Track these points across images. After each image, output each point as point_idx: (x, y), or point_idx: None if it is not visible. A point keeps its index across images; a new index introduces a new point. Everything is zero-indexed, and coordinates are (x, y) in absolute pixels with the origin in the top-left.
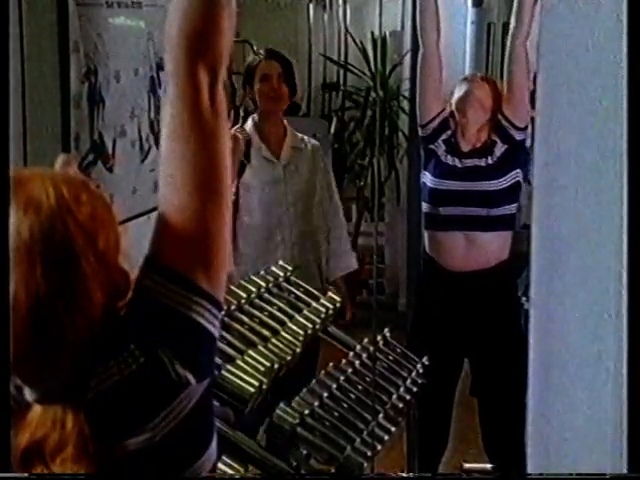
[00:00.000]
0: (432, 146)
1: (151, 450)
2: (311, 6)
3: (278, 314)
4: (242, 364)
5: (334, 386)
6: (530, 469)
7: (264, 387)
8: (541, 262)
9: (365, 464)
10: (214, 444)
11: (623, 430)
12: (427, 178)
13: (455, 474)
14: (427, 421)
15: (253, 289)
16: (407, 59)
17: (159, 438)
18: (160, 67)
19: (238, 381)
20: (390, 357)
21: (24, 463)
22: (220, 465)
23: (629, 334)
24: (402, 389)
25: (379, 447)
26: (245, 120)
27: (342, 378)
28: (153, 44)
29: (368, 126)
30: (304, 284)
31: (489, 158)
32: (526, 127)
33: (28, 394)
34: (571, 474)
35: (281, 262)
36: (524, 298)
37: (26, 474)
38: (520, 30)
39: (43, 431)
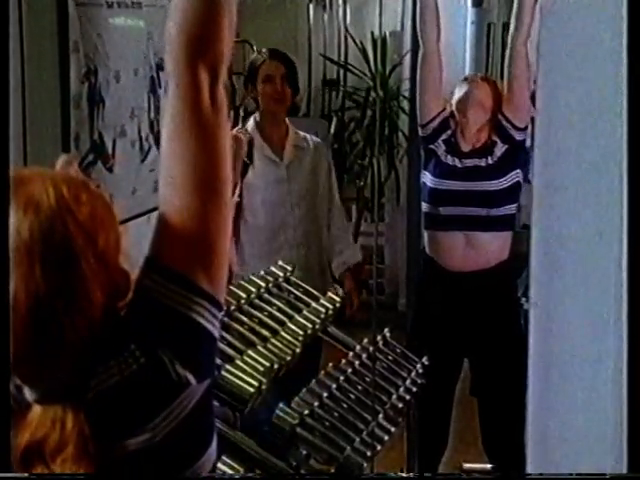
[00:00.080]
0: (432, 146)
1: (151, 450)
2: (311, 6)
3: (278, 314)
4: (242, 364)
5: (334, 386)
6: (530, 469)
7: (263, 387)
8: (541, 262)
9: (365, 464)
10: (214, 444)
11: (623, 430)
12: (427, 178)
13: (455, 474)
14: (427, 421)
15: (253, 289)
16: (407, 59)
17: (159, 438)
18: (160, 67)
19: (238, 381)
20: (390, 357)
21: (24, 463)
22: (220, 465)
23: (629, 334)
24: (402, 389)
25: (379, 447)
26: (245, 120)
27: (342, 378)
28: (153, 44)
29: (368, 126)
30: (304, 284)
31: (489, 158)
32: (526, 127)
33: (28, 394)
34: (571, 474)
35: (280, 262)
36: (524, 298)
37: (26, 474)
38: (520, 30)
39: (43, 431)
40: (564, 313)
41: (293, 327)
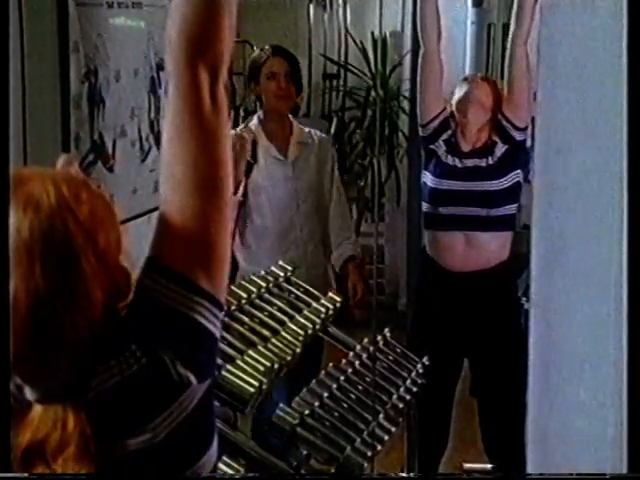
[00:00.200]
0: (432, 146)
1: (152, 450)
2: (311, 6)
3: (278, 314)
4: (242, 364)
5: (334, 386)
6: (530, 469)
7: (264, 387)
8: (541, 262)
9: (365, 464)
10: (215, 445)
11: (623, 430)
12: (427, 178)
13: (455, 474)
14: (427, 421)
15: (253, 289)
16: (407, 59)
17: (160, 438)
18: (160, 67)
19: (238, 381)
20: (390, 357)
21: (25, 463)
22: (220, 465)
23: (629, 334)
24: (402, 389)
25: (379, 447)
26: (245, 120)
27: (342, 378)
28: (153, 44)
29: (368, 126)
30: (304, 284)
31: (489, 158)
32: (526, 127)
33: (29, 393)
34: (571, 474)
35: (281, 262)
36: (524, 298)
37: (26, 474)
38: (520, 31)
39: (44, 431)
40: (564, 313)
41: (293, 327)
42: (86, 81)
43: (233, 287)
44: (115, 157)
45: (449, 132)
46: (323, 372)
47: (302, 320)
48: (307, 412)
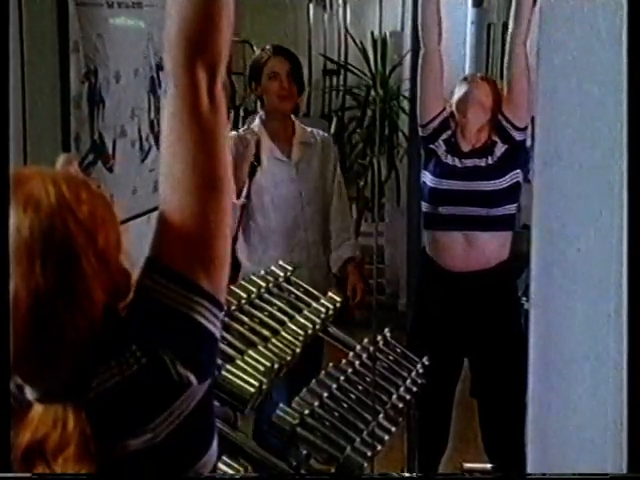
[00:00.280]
0: (432, 146)
1: (152, 450)
2: (311, 6)
3: (278, 314)
4: (242, 364)
5: (334, 386)
6: (530, 469)
7: (264, 387)
8: (541, 262)
9: (365, 464)
10: (215, 445)
11: (623, 430)
12: (427, 178)
13: (455, 474)
14: (427, 421)
15: (253, 289)
16: (407, 59)
17: (160, 439)
18: (160, 67)
19: (238, 381)
20: (390, 357)
21: (25, 462)
22: (220, 465)
23: (629, 334)
24: (402, 389)
25: (379, 447)
26: (245, 120)
27: (342, 378)
28: (153, 44)
29: (368, 126)
30: (304, 284)
31: (489, 158)
32: (526, 127)
33: (29, 393)
34: (571, 474)
35: (281, 262)
36: (524, 298)
37: (26, 474)
38: (519, 31)
39: (44, 430)
40: (564, 313)
41: (293, 327)
42: (86, 81)
43: (233, 287)
44: (115, 157)
45: (449, 132)
46: (323, 372)
47: (302, 320)
48: (307, 412)
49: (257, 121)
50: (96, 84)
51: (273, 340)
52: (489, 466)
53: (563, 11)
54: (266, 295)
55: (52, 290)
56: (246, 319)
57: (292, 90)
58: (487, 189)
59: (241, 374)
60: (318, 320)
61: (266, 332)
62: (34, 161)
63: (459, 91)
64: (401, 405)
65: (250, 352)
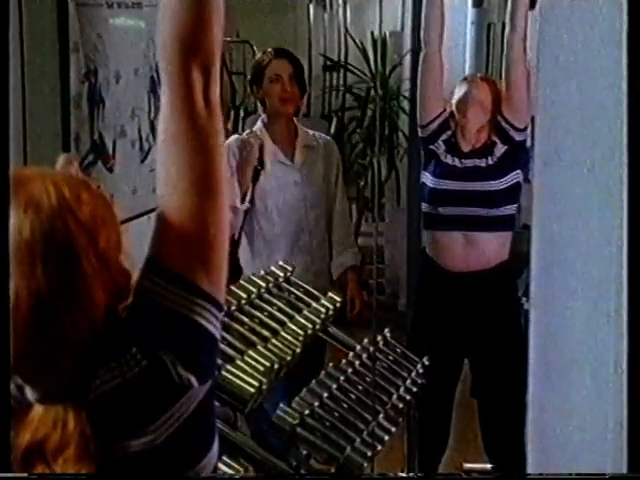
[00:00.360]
0: (432, 146)
1: (153, 452)
2: (311, 6)
3: (278, 314)
4: (242, 364)
5: (334, 386)
6: (530, 469)
7: (264, 387)
8: (541, 262)
9: (365, 464)
10: (216, 446)
11: (623, 430)
12: (427, 178)
13: (455, 474)
14: (427, 421)
15: (253, 289)
16: (407, 59)
17: (161, 440)
18: None
19: (238, 381)
20: (390, 357)
21: (25, 463)
22: (220, 465)
23: (629, 334)
24: (402, 389)
25: (379, 447)
26: (245, 120)
27: (342, 378)
28: (153, 44)
29: (368, 126)
30: (304, 284)
31: (489, 158)
32: (526, 128)
33: (29, 393)
34: (571, 474)
35: (281, 262)
36: (524, 298)
37: (26, 474)
38: (515, 33)
39: (44, 431)
40: (564, 313)
41: (293, 327)
42: (86, 81)
43: (233, 287)
44: (115, 157)
45: (449, 132)
46: (323, 372)
47: (302, 320)
48: (307, 412)
49: (259, 124)
50: (96, 84)
51: (273, 340)
52: (489, 466)
53: (563, 11)
54: (266, 295)
55: (53, 291)
56: (246, 319)
57: (294, 93)
58: (487, 189)
59: (241, 374)
60: (318, 320)
61: (266, 332)
62: (34, 161)
63: (459, 91)
64: (401, 405)
65: (250, 352)
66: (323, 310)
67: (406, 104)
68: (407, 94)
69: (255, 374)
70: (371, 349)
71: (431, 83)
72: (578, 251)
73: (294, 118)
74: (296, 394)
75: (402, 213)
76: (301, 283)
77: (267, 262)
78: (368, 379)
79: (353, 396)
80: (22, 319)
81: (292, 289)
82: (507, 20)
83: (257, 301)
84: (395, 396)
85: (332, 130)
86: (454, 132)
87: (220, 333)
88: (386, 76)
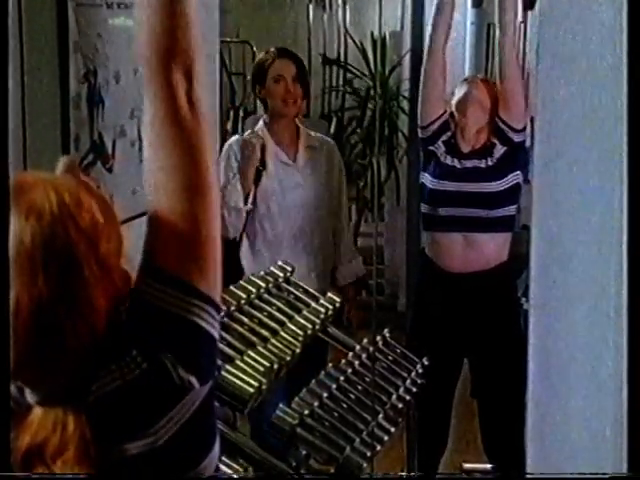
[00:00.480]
0: (432, 147)
1: (154, 454)
2: (311, 6)
3: (277, 315)
4: (242, 365)
5: (334, 386)
6: (530, 469)
7: (264, 387)
8: (541, 262)
9: (365, 464)
10: (217, 447)
11: (623, 430)
12: (426, 179)
13: (455, 474)
14: (427, 421)
15: (252, 290)
16: (407, 59)
17: (162, 442)
18: None
19: (238, 382)
20: (389, 357)
21: (25, 465)
22: (220, 465)
23: (629, 334)
24: (402, 389)
25: (379, 447)
26: (244, 120)
27: (342, 378)
28: None
29: (368, 126)
30: (303, 284)
31: (489, 159)
32: (524, 128)
33: (29, 396)
34: (571, 474)
35: (280, 262)
36: (524, 298)
37: (26, 474)
38: (506, 36)
39: (44, 433)
40: (564, 313)
41: (293, 327)
42: (85, 82)
43: (232, 288)
44: (115, 157)
45: (449, 133)
46: (323, 372)
47: (301, 320)
48: (307, 412)
49: (261, 124)
50: (95, 84)
51: (272, 340)
52: (489, 466)
53: (562, 11)
54: (265, 295)
55: (54, 297)
56: (245, 319)
57: (297, 94)
58: (487, 190)
59: (241, 374)
60: (317, 320)
61: (265, 332)
62: (33, 161)
63: (459, 92)
64: (401, 405)
65: (250, 352)
66: (322, 310)
67: (406, 104)
68: (407, 94)
69: (255, 374)
70: (371, 349)
71: (433, 84)
72: (578, 251)
73: (296, 119)
74: (296, 394)
75: (402, 213)
76: (300, 283)
77: (269, 263)
78: (368, 379)
79: (353, 396)
80: (23, 326)
81: (291, 289)
82: (496, 22)
83: (257, 301)
84: (395, 396)
85: (332, 130)
86: (454, 133)
87: (219, 333)
88: (386, 76)
